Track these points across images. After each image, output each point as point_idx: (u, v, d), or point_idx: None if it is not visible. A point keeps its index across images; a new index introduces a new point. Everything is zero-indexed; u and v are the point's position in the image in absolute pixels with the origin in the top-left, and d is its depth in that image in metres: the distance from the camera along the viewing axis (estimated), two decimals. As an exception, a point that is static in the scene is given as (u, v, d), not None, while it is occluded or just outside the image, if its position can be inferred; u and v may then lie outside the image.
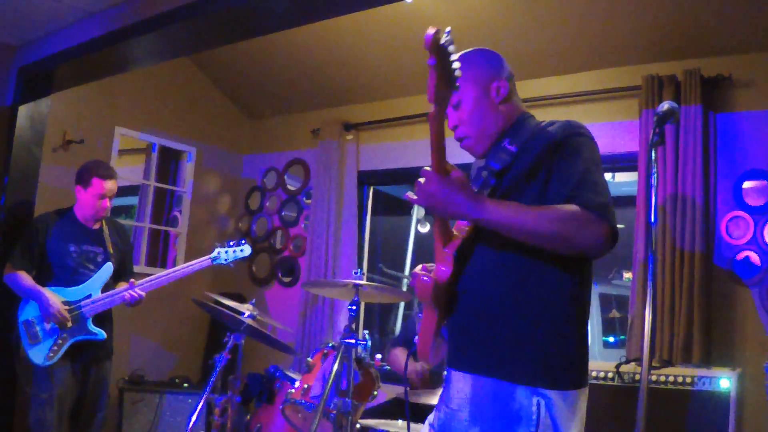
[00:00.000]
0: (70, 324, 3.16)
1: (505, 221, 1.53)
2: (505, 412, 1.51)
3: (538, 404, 1.49)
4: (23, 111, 3.94)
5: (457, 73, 1.39)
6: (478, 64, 1.74)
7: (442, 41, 1.35)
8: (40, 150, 4.02)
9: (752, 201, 3.14)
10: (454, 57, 1.37)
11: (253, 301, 3.35)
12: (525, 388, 1.51)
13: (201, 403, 3.00)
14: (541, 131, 1.64)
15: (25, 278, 3.23)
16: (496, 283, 1.59)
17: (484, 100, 1.72)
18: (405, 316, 5.60)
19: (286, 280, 4.93)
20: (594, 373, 3.03)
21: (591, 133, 1.66)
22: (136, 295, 3.24)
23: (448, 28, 1.36)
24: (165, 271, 3.37)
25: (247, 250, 3.44)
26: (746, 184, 3.17)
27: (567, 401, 1.52)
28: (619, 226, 1.57)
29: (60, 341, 3.16)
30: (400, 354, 3.35)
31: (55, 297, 3.16)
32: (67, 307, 3.16)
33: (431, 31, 1.32)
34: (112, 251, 3.38)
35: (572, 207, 1.53)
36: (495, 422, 1.52)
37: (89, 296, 3.23)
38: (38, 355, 3.13)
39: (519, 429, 1.49)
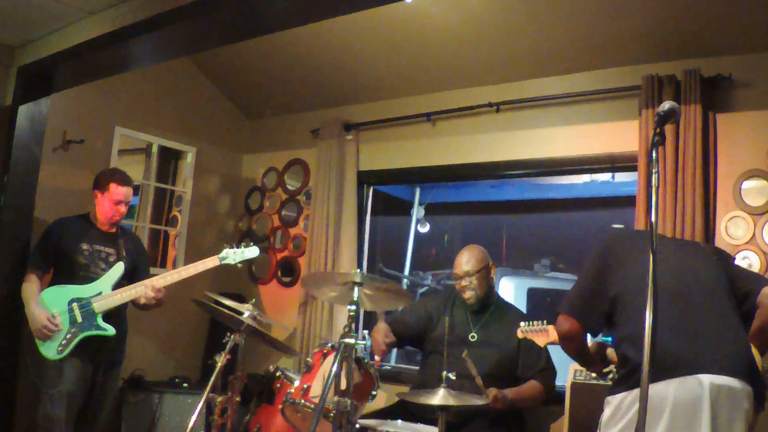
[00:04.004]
0: (51, 335, 3.21)
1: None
2: None
3: None
4: (23, 111, 3.93)
5: None
6: None
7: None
8: (40, 150, 4.02)
9: (752, 201, 3.14)
10: None
11: (253, 301, 3.36)
12: None
13: (201, 403, 3.00)
14: None
15: (28, 287, 3.33)
16: None
17: None
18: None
19: (286, 279, 4.93)
20: (594, 374, 3.02)
21: (605, 238, 2.43)
22: (152, 293, 3.32)
23: None
24: (174, 270, 3.47)
25: (255, 251, 3.55)
26: (746, 184, 3.17)
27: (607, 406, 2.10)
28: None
29: (69, 336, 3.23)
30: (381, 327, 3.42)
31: (40, 314, 3.22)
32: (55, 316, 3.22)
33: None
34: (124, 254, 3.47)
35: None
36: None
37: (100, 293, 3.32)
38: (49, 349, 3.21)
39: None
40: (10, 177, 3.86)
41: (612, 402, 2.07)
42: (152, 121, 4.73)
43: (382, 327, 3.44)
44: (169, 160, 5.03)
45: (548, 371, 3.26)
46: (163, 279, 3.39)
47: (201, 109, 5.07)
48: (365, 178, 4.69)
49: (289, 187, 5.05)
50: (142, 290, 3.34)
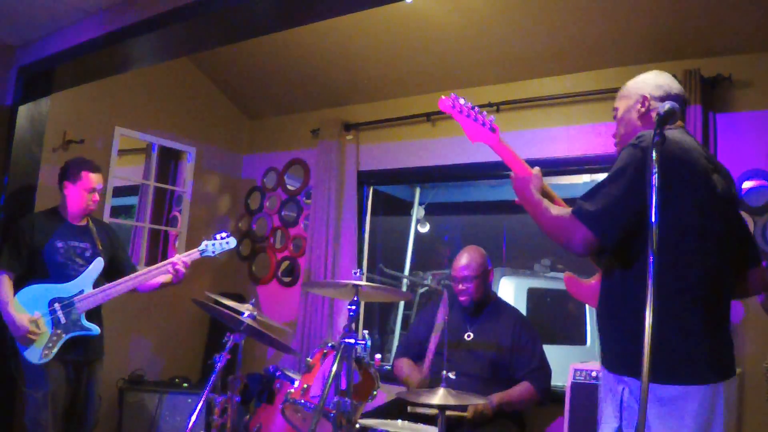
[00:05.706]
0: (36, 338, 3.12)
1: (530, 213, 1.98)
2: (612, 392, 1.87)
3: (623, 389, 1.81)
4: (23, 111, 3.94)
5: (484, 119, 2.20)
6: (637, 81, 2.05)
7: (451, 104, 2.29)
8: (40, 150, 4.02)
9: (752, 201, 3.14)
10: (467, 107, 2.25)
11: (253, 301, 3.36)
12: (614, 375, 1.86)
13: (201, 403, 2.99)
14: None
15: (3, 288, 3.19)
16: (602, 289, 1.95)
17: (629, 112, 2.02)
18: (404, 317, 5.60)
19: (286, 280, 4.93)
20: (594, 373, 3.02)
21: (647, 141, 1.78)
22: (174, 271, 3.35)
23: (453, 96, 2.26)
24: (154, 266, 3.41)
25: (232, 242, 3.54)
26: (746, 184, 3.16)
27: (654, 390, 1.64)
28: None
29: (54, 338, 3.15)
30: (405, 364, 3.48)
31: (21, 317, 3.11)
32: (36, 318, 3.13)
33: (441, 103, 2.30)
34: (100, 247, 3.40)
35: (567, 211, 1.86)
36: (607, 400, 1.90)
37: (81, 292, 3.24)
38: (33, 353, 3.12)
39: (613, 405, 1.84)
40: (10, 177, 3.86)
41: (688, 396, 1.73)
42: (152, 121, 4.73)
43: (406, 365, 3.44)
44: (169, 160, 5.03)
45: (541, 371, 3.25)
46: (147, 275, 3.35)
47: (201, 109, 5.07)
48: (365, 178, 4.69)
49: (289, 187, 5.05)
50: (129, 286, 3.30)
